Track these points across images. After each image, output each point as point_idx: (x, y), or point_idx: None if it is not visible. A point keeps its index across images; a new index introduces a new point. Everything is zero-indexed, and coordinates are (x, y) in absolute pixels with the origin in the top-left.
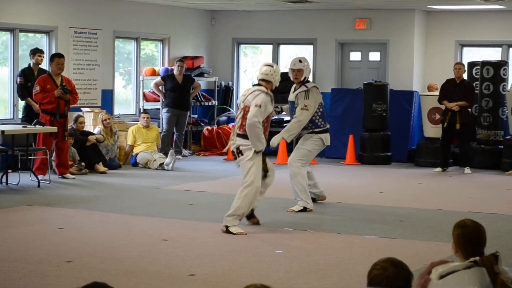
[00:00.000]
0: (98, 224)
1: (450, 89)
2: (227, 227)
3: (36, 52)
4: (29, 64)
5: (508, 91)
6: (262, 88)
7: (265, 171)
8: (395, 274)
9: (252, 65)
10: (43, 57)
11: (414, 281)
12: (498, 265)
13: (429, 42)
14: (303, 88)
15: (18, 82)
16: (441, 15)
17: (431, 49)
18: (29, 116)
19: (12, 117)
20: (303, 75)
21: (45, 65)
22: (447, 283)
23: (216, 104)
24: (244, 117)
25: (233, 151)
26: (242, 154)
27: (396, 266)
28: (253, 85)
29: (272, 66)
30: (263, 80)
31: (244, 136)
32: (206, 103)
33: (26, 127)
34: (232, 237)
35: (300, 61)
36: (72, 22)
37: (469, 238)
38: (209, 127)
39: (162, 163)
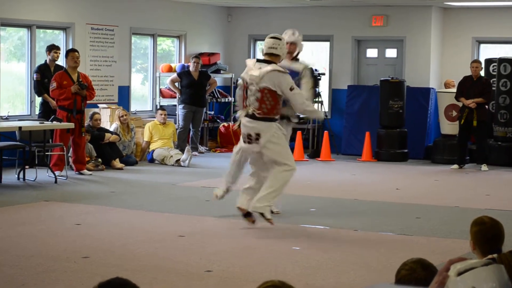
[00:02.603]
0: (115, 220)
1: (467, 86)
2: (261, 213)
3: (52, 48)
4: (46, 60)
5: None
6: (275, 66)
7: None
8: (424, 277)
9: None
10: (59, 53)
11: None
12: None
13: (446, 39)
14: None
15: (35, 79)
16: (458, 11)
17: (448, 46)
18: (46, 112)
19: (29, 113)
20: (296, 49)
21: (61, 61)
22: (465, 280)
23: (233, 100)
24: (263, 100)
25: (249, 135)
26: (260, 138)
27: (426, 269)
28: (259, 60)
29: (278, 38)
30: (271, 54)
31: (265, 119)
32: (223, 100)
33: (43, 123)
34: (248, 233)
35: (293, 33)
36: (89, 19)
37: (487, 235)
38: (225, 124)
39: (179, 160)
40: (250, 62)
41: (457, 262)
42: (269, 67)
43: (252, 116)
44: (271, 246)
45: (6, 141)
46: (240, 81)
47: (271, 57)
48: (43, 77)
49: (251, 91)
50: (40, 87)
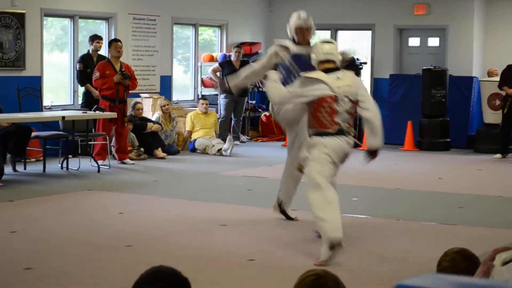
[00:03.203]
0: (157, 209)
1: (511, 75)
2: None
3: (94, 38)
4: (88, 50)
5: None
6: (345, 70)
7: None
8: (466, 267)
9: None
10: (102, 43)
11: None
12: None
13: (488, 27)
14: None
15: (78, 69)
16: (501, 0)
17: (490, 34)
18: (89, 102)
19: (72, 103)
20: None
21: (104, 51)
22: (511, 269)
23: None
24: (352, 113)
25: (346, 155)
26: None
27: (467, 259)
28: (329, 71)
29: (332, 43)
30: (329, 61)
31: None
32: (264, 89)
33: (86, 113)
34: (290, 223)
35: (308, 18)
36: (131, 9)
37: None
38: (267, 113)
39: (220, 149)
40: (318, 74)
41: (502, 251)
42: (351, 74)
43: (346, 134)
44: (313, 236)
45: (50, 131)
46: (315, 95)
47: (331, 64)
48: (86, 67)
49: (342, 105)
50: (83, 77)
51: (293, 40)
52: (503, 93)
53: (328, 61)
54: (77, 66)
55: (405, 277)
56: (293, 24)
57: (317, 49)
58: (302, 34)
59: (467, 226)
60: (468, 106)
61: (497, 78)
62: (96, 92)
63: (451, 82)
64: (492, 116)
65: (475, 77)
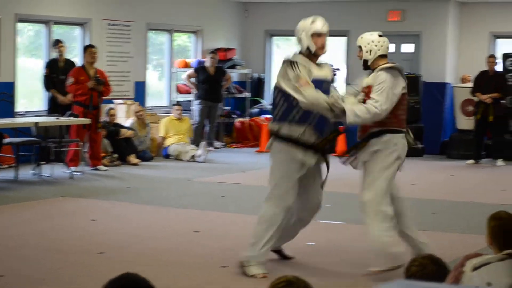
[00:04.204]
0: (131, 216)
1: (483, 81)
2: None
3: (55, 44)
4: (57, 56)
5: None
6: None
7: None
8: (434, 272)
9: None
10: (63, 45)
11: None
12: None
13: (462, 34)
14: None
15: (44, 74)
16: (475, 6)
17: (464, 40)
18: (54, 107)
19: (45, 109)
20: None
21: (76, 57)
22: (481, 275)
23: (249, 96)
24: None
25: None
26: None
27: (436, 263)
28: (386, 67)
29: (382, 36)
30: (386, 56)
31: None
32: (238, 95)
33: (59, 119)
34: None
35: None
36: (105, 14)
37: (504, 230)
38: (241, 119)
39: (194, 155)
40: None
41: (473, 257)
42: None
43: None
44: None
45: (23, 137)
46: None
47: (385, 59)
48: (52, 72)
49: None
50: (49, 82)
51: (308, 52)
52: (476, 99)
53: (386, 56)
54: (44, 71)
55: (377, 284)
56: (309, 29)
57: (379, 42)
58: (322, 41)
59: (440, 232)
60: (441, 112)
61: (470, 84)
62: (60, 98)
63: (425, 88)
64: (465, 122)
65: (449, 83)
